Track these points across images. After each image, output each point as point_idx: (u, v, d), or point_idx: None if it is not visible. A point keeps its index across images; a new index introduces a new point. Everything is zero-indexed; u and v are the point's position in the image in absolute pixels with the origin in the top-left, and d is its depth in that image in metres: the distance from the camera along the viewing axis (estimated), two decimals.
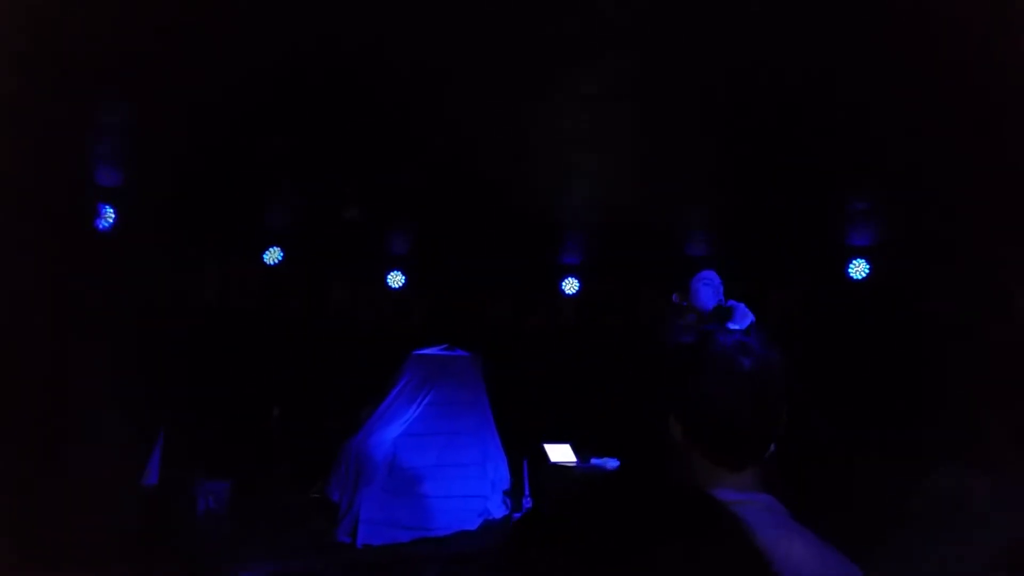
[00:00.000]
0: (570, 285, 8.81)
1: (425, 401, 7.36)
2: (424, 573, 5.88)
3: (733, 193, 6.15)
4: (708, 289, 4.73)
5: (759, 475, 1.32)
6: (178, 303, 7.48)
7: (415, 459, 6.97)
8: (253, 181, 6.43)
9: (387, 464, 6.83)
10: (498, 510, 7.28)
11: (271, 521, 6.72)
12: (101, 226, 6.48)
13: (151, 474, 6.46)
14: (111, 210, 6.61)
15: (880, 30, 3.50)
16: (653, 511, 0.83)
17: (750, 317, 4.56)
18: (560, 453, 6.87)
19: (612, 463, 6.43)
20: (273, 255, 8.20)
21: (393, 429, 7.09)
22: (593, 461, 6.62)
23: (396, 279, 8.81)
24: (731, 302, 4.68)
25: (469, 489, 7.19)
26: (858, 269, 7.41)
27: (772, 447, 1.32)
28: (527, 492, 7.56)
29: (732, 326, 4.25)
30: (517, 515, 7.18)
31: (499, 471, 7.50)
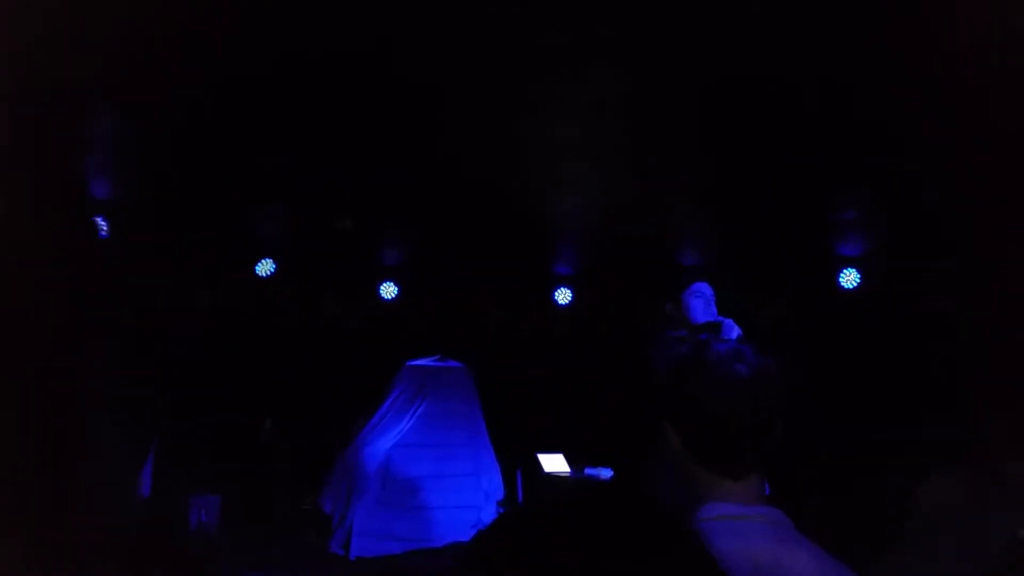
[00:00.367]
0: (563, 295, 8.81)
1: (418, 412, 7.34)
2: None
3: (726, 203, 6.18)
4: (699, 302, 4.77)
5: (762, 485, 1.31)
6: (170, 315, 7.44)
7: (408, 470, 6.95)
8: (245, 193, 6.41)
9: (380, 475, 6.81)
10: (492, 521, 7.25)
11: (264, 533, 6.69)
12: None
13: (143, 486, 6.40)
14: (103, 222, 6.58)
15: (872, 43, 3.54)
16: (616, 529, 0.83)
17: (737, 331, 4.60)
18: (553, 463, 6.85)
19: (606, 473, 6.42)
20: (266, 267, 8.17)
21: (386, 440, 7.07)
22: (587, 471, 6.60)
23: (389, 290, 8.80)
24: (719, 317, 4.73)
25: (463, 500, 7.16)
26: (848, 278, 7.45)
27: (772, 454, 1.32)
28: (521, 502, 7.54)
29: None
30: None
31: (493, 481, 7.48)
